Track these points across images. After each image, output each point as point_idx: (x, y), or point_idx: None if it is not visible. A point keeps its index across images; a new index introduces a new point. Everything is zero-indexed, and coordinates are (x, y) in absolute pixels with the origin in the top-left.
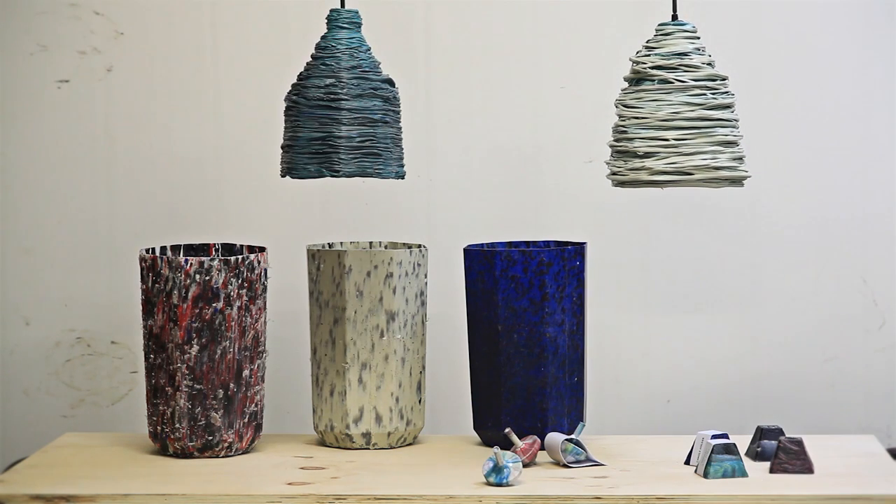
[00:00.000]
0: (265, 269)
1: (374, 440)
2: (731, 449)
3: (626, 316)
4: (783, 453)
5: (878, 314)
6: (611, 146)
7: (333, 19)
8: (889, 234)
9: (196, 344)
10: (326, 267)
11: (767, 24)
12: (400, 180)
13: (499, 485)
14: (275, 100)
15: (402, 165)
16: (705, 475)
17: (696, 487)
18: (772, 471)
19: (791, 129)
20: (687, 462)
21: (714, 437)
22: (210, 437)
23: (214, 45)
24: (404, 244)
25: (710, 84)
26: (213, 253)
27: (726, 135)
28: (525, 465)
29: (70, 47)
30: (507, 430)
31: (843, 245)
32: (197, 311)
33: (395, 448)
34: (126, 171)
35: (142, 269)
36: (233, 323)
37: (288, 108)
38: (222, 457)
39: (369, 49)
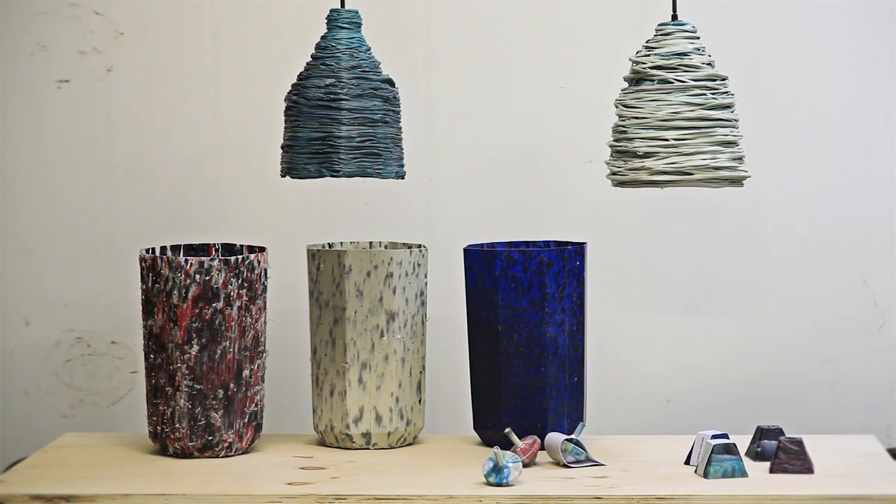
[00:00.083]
0: (265, 269)
1: (374, 440)
2: (731, 449)
3: (626, 316)
4: (783, 453)
5: (878, 314)
6: (610, 146)
7: (333, 19)
8: (889, 235)
9: (196, 344)
10: (326, 267)
11: (767, 24)
12: (400, 180)
13: (499, 485)
14: (275, 100)
15: (402, 165)
16: (705, 475)
17: (696, 487)
18: (772, 471)
19: (791, 129)
20: (687, 462)
21: (714, 437)
22: (210, 437)
23: (214, 45)
24: (404, 244)
25: (709, 84)
26: (213, 253)
27: (726, 135)
28: (525, 465)
29: (70, 47)
30: (507, 430)
31: (843, 245)
32: (197, 311)
33: (395, 448)
34: (126, 171)
35: (142, 269)
36: (233, 323)
37: (288, 108)
38: (222, 457)
39: (369, 49)
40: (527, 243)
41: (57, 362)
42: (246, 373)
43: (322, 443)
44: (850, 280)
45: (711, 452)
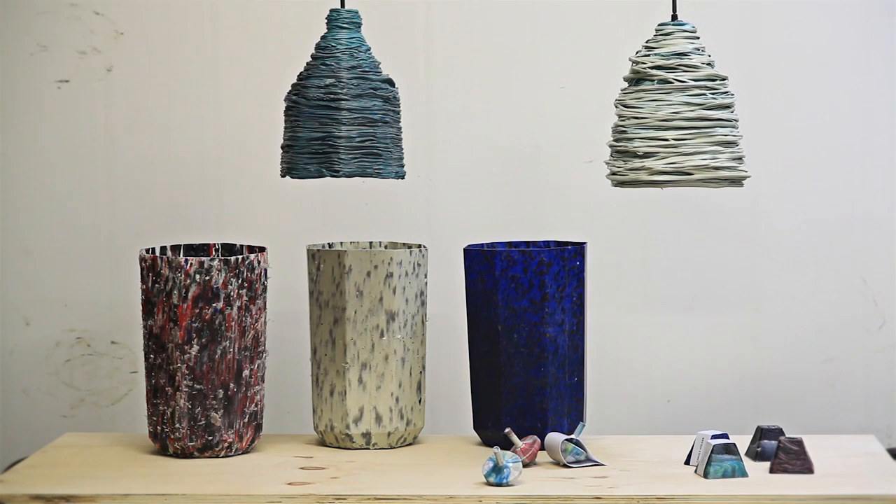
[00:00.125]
0: (265, 269)
1: (374, 440)
2: (731, 449)
3: (626, 316)
4: (783, 453)
5: (878, 314)
6: (610, 146)
7: (333, 19)
8: (889, 234)
9: (196, 344)
10: (326, 267)
11: (767, 24)
12: (400, 180)
13: (499, 485)
14: (275, 100)
15: (402, 165)
16: (705, 475)
17: (696, 487)
18: (772, 471)
19: (791, 129)
20: (687, 462)
21: (714, 437)
22: (210, 437)
23: (214, 46)
24: (404, 244)
25: (709, 84)
26: (213, 253)
27: (726, 135)
28: (525, 465)
29: (70, 47)
30: (507, 430)
31: (843, 245)
32: (197, 311)
33: (395, 448)
34: (126, 171)
35: (142, 269)
36: (233, 323)
37: (288, 108)
38: (222, 457)
39: (369, 49)
40: (527, 243)
41: (57, 362)
42: (246, 373)
43: (322, 443)
44: (850, 280)
45: (711, 452)
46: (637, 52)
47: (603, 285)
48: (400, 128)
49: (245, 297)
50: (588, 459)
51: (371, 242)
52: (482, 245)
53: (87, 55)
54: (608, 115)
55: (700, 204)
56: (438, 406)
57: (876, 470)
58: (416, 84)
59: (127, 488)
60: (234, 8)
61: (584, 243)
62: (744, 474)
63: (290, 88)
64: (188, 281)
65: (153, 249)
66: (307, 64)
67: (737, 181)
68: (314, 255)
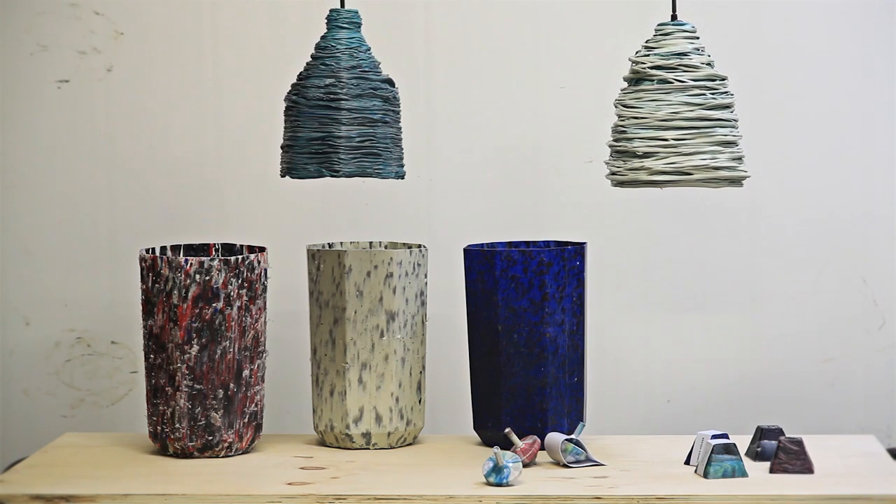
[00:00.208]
0: (265, 269)
1: (374, 440)
2: (731, 449)
3: (626, 316)
4: (783, 453)
5: (878, 314)
6: (610, 146)
7: (333, 19)
8: (889, 234)
9: (196, 344)
10: (326, 267)
11: (767, 24)
12: (399, 180)
13: (499, 485)
14: (275, 100)
15: (402, 165)
16: (705, 475)
17: (696, 487)
18: (772, 471)
19: (791, 129)
20: (687, 462)
21: (714, 437)
22: (210, 437)
23: (214, 45)
24: (404, 244)
25: (709, 84)
26: (213, 253)
27: (725, 135)
28: (525, 465)
29: (70, 47)
30: (507, 430)
31: (843, 245)
32: (197, 311)
33: (395, 448)
34: (126, 171)
35: (142, 269)
36: (233, 323)
37: (288, 108)
38: (222, 457)
39: (369, 49)
40: (527, 243)
41: (57, 362)
42: (246, 373)
43: (322, 443)
44: (850, 280)
45: (711, 452)
46: (637, 52)
47: (603, 285)
48: (400, 128)
49: (245, 297)
50: (588, 459)
51: (371, 242)
52: (482, 245)
53: (87, 55)
54: (608, 115)
55: (700, 204)
56: (438, 406)
57: (876, 470)
58: (416, 84)
59: (127, 488)
60: (234, 8)
61: (584, 243)
62: (744, 474)
63: (289, 88)
64: (188, 281)
65: (153, 249)
66: (307, 64)
67: (736, 181)
68: (314, 255)
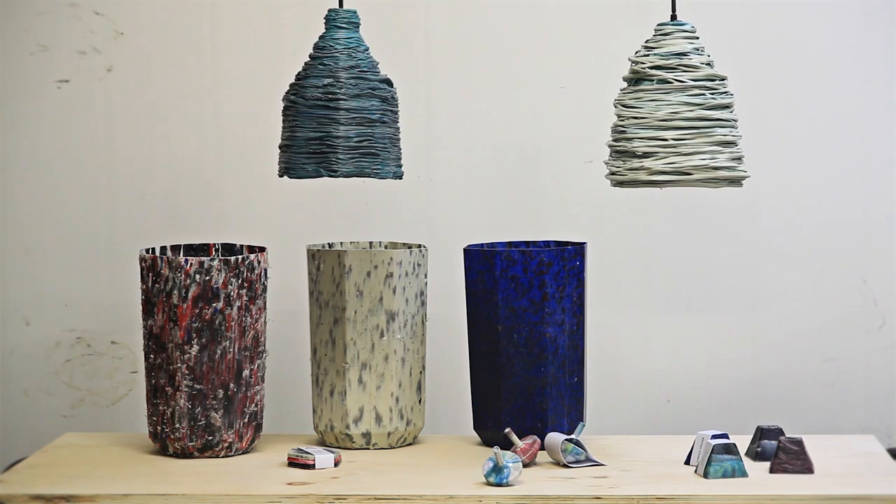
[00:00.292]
0: (265, 269)
1: (374, 440)
2: (731, 449)
3: (626, 316)
4: (783, 453)
5: (878, 314)
6: (610, 146)
7: (332, 19)
8: (889, 234)
9: (196, 344)
10: (326, 267)
11: (767, 24)
12: (399, 180)
13: (499, 485)
14: (274, 100)
15: (400, 165)
16: (705, 475)
17: (696, 487)
18: (772, 471)
19: (791, 129)
20: (687, 462)
21: (714, 437)
22: (210, 437)
23: (214, 45)
24: (404, 244)
25: (708, 84)
26: (213, 253)
27: (725, 135)
28: (525, 465)
29: (70, 47)
30: (507, 430)
31: (843, 245)
32: (197, 311)
33: (395, 448)
34: (126, 171)
35: (142, 269)
36: (233, 323)
37: (286, 108)
38: (222, 457)
39: (367, 49)
40: (527, 243)
41: (57, 362)
42: (246, 373)
43: (322, 443)
44: (850, 280)
45: (711, 452)
46: (636, 52)
47: (603, 285)
48: (398, 128)
49: (245, 297)
50: (588, 459)
51: (371, 242)
52: (482, 245)
53: (87, 55)
54: (608, 115)
55: (699, 204)
56: (438, 406)
57: (876, 470)
58: (416, 84)
59: (127, 488)
60: (234, 8)
61: (584, 243)
62: (744, 474)
63: (288, 88)
64: (188, 281)
65: (153, 249)
66: (305, 64)
67: (736, 181)
68: (314, 255)
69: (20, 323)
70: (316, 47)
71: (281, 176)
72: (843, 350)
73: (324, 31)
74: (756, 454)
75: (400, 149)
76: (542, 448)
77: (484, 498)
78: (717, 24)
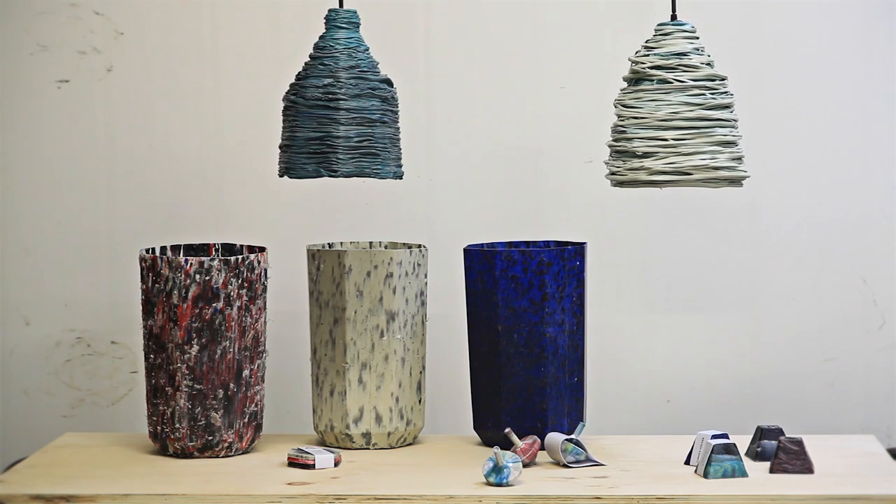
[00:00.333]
0: (265, 269)
1: (374, 440)
2: (731, 449)
3: (626, 316)
4: (783, 453)
5: (878, 314)
6: (610, 146)
7: (332, 19)
8: (889, 234)
9: (196, 344)
10: (326, 267)
11: (767, 24)
12: (399, 180)
13: (499, 485)
14: (274, 100)
15: (400, 165)
16: (705, 475)
17: (696, 487)
18: (772, 471)
19: (790, 129)
20: (687, 462)
21: (714, 437)
22: (210, 437)
23: (214, 45)
24: (404, 244)
25: (709, 84)
26: (213, 253)
27: (725, 135)
28: (525, 465)
29: (70, 47)
30: (507, 430)
31: (843, 245)
32: (197, 311)
33: (395, 448)
34: (126, 171)
35: (142, 269)
36: (233, 323)
37: (286, 108)
38: (222, 457)
39: (367, 49)
40: (527, 243)
41: (57, 362)
42: (246, 373)
43: (322, 443)
44: (850, 280)
45: (711, 452)
46: (636, 52)
47: (603, 285)
48: (398, 128)
49: (245, 297)
50: (588, 459)
51: (371, 242)
52: (482, 245)
53: (87, 55)
54: (608, 115)
55: (700, 204)
56: (438, 406)
57: (876, 470)
58: (416, 84)
59: (127, 488)
60: (234, 8)
61: (584, 243)
62: (744, 474)
63: (288, 88)
64: (188, 281)
65: (153, 249)
66: (305, 64)
67: (736, 181)
68: (314, 255)
69: (20, 323)
70: (316, 47)
71: (281, 176)
72: (843, 350)
73: (324, 31)
74: (756, 454)
75: (400, 149)
76: (542, 448)
77: (484, 498)
78: (717, 24)
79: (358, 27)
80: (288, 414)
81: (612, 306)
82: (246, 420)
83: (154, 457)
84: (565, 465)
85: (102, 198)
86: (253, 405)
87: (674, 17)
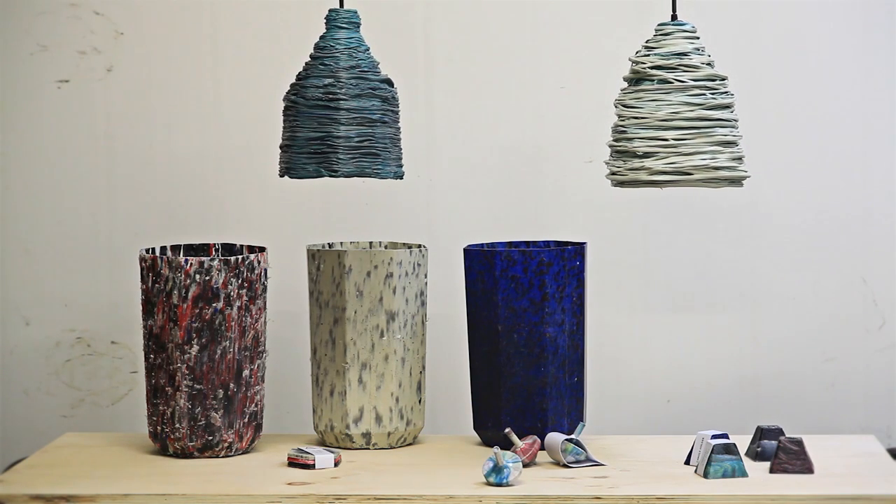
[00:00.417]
0: (265, 269)
1: (374, 440)
2: (731, 449)
3: (626, 316)
4: (783, 453)
5: (878, 314)
6: (610, 146)
7: (332, 19)
8: (889, 234)
9: (196, 344)
10: (326, 267)
11: (767, 24)
12: (399, 180)
13: (499, 485)
14: (275, 100)
15: (401, 165)
16: (705, 475)
17: (696, 487)
18: (772, 471)
19: (791, 128)
20: (687, 462)
21: (714, 437)
22: (210, 437)
23: (214, 46)
24: (404, 244)
25: (709, 84)
26: (213, 253)
27: (725, 135)
28: (525, 465)
29: (70, 47)
30: (507, 430)
31: (843, 245)
32: (197, 311)
33: (395, 448)
34: (126, 171)
35: (142, 269)
36: (233, 323)
37: (286, 108)
38: (222, 457)
39: (368, 49)
40: (527, 243)
41: (57, 362)
42: (246, 373)
43: (322, 443)
44: (850, 280)
45: (711, 452)
46: (637, 52)
47: (603, 285)
48: (399, 128)
49: (245, 297)
50: (588, 459)
51: (371, 242)
52: (482, 245)
53: (87, 55)
54: (608, 115)
55: (700, 204)
56: (438, 406)
57: (876, 470)
58: (416, 84)
59: (127, 488)
60: (234, 8)
61: (584, 243)
62: (744, 474)
63: (289, 88)
64: (188, 281)
65: (153, 249)
66: (306, 64)
67: (736, 181)
68: (314, 255)
69: (20, 323)
70: (316, 47)
71: (281, 176)
72: (843, 350)
73: (324, 31)
74: (756, 454)
75: (400, 149)
76: (542, 448)
77: (484, 498)
78: (717, 24)
79: (358, 27)
80: (288, 414)
81: (612, 306)
82: (246, 420)
83: (154, 457)
84: (565, 465)
85: (102, 198)
86: (253, 405)
87: (674, 16)
